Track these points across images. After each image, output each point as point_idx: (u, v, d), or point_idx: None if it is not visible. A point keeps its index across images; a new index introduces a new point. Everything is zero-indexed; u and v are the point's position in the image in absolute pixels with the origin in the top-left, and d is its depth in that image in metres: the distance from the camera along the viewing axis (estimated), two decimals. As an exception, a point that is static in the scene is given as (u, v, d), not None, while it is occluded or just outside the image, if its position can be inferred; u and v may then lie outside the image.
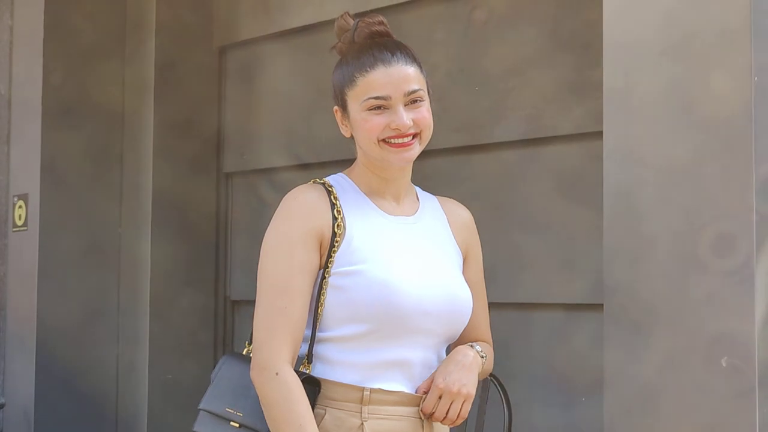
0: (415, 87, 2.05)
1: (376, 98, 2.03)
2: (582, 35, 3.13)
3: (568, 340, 3.25)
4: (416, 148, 2.07)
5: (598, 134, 2.56)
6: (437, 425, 2.11)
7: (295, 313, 1.99)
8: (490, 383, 3.07)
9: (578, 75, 3.17)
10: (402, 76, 2.04)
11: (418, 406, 2.06)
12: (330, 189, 2.09)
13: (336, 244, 2.03)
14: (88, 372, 4.04)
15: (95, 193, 4.11)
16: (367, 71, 2.04)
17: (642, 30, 2.39)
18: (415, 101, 2.05)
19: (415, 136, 2.06)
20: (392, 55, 2.06)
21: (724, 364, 2.17)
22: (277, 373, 1.95)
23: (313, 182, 2.12)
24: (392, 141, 2.03)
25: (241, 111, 4.18)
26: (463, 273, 2.20)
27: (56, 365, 3.99)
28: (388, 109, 2.03)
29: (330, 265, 2.02)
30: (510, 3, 3.42)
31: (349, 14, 2.18)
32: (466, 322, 2.16)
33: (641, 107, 2.39)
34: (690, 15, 2.30)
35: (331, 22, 3.82)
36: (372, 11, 3.67)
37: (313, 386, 2.01)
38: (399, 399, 2.04)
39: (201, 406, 2.11)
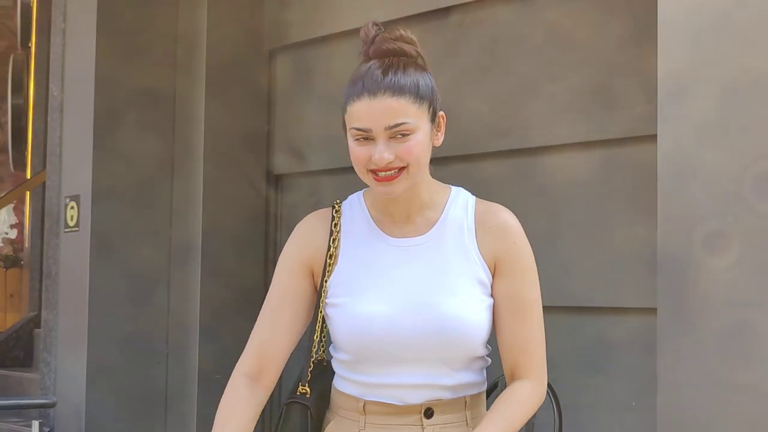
0: (400, 121, 1.98)
1: (358, 129, 2.00)
2: (636, 34, 3.12)
3: (620, 344, 3.24)
4: (402, 182, 2.00)
5: (652, 137, 2.56)
6: (436, 427, 2.08)
7: (267, 332, 2.11)
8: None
9: (631, 76, 3.16)
10: (385, 109, 1.98)
11: (418, 414, 2.05)
12: (335, 216, 2.13)
13: (327, 273, 2.09)
14: (138, 371, 4.07)
15: (146, 194, 4.14)
16: (353, 100, 2.01)
17: (698, 27, 2.38)
18: (403, 134, 1.99)
19: (401, 169, 1.99)
20: (380, 86, 1.99)
21: None
22: (229, 382, 2.11)
23: (332, 205, 2.16)
24: (377, 174, 2.00)
25: (291, 113, 4.20)
26: (495, 283, 2.10)
27: (107, 364, 4.03)
28: (372, 140, 1.99)
29: (324, 294, 2.09)
30: (559, 4, 3.42)
31: (374, 23, 2.12)
32: (472, 343, 2.06)
33: (696, 109, 2.38)
34: (742, 15, 2.29)
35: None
36: (420, 14, 3.72)
37: (304, 408, 2.12)
38: (396, 410, 2.05)
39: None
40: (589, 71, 3.32)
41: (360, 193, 2.19)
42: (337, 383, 2.12)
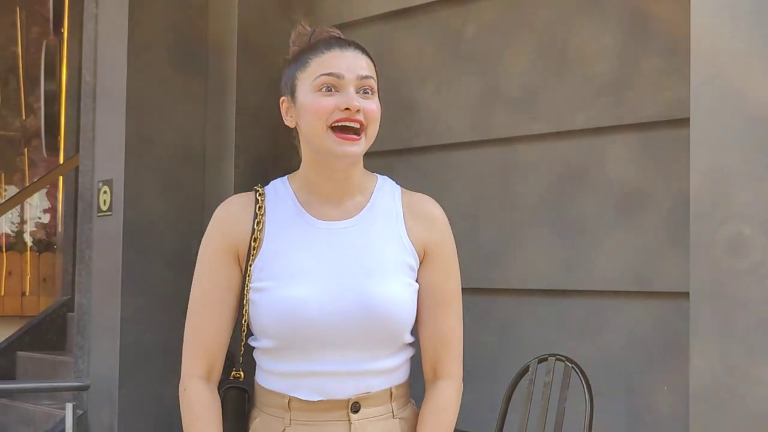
0: (367, 74, 2.01)
1: (329, 74, 1.97)
2: (669, 22, 3.13)
3: (651, 328, 3.25)
4: (362, 145, 2.01)
5: (685, 121, 2.55)
6: (364, 426, 2.05)
7: (210, 329, 2.05)
8: (571, 370, 3.12)
9: (664, 61, 3.17)
10: (356, 61, 2.02)
11: (345, 408, 2.02)
12: (259, 198, 2.08)
13: (251, 257, 2.04)
14: (171, 354, 4.11)
15: (178, 178, 4.17)
16: (322, 52, 2.01)
17: (729, 15, 2.37)
18: (366, 91, 2.01)
19: (361, 131, 2.00)
20: (348, 44, 2.04)
21: None
22: (185, 389, 2.06)
23: (255, 189, 2.11)
24: (341, 132, 1.97)
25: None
26: (421, 270, 2.09)
27: (140, 347, 4.07)
28: (338, 91, 1.98)
29: (248, 279, 2.04)
30: None
31: (305, 22, 2.14)
32: (397, 327, 2.04)
33: (728, 93, 2.37)
34: None
35: (410, 9, 3.89)
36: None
37: (242, 392, 2.09)
38: (320, 406, 2.02)
39: None
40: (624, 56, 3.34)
41: (284, 177, 2.14)
42: (261, 379, 2.07)
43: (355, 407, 2.01)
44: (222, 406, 2.07)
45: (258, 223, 2.05)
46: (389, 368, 2.04)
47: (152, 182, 4.13)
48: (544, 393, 3.17)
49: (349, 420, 2.01)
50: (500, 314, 3.65)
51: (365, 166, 2.14)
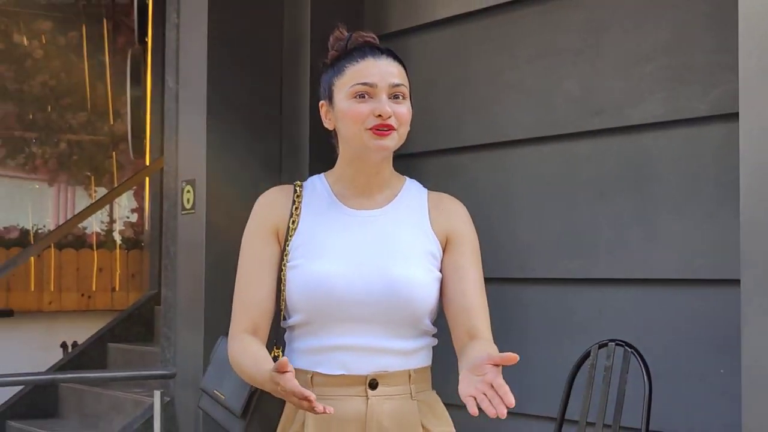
0: (398, 82, 2.10)
1: (363, 84, 2.07)
2: (718, 17, 3.11)
3: (707, 314, 3.25)
4: (393, 140, 2.09)
5: (735, 115, 2.56)
6: (381, 403, 2.09)
7: (254, 294, 2.14)
8: (630, 355, 3.15)
9: (714, 57, 3.16)
10: (388, 69, 2.10)
11: (363, 384, 2.07)
12: (298, 189, 2.20)
13: (289, 237, 2.14)
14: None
15: (255, 178, 4.19)
16: (357, 61, 2.10)
17: None
18: (397, 96, 2.09)
19: (393, 129, 2.08)
20: (381, 53, 2.12)
21: None
22: (234, 341, 2.13)
23: (294, 182, 2.23)
24: (376, 130, 2.06)
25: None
26: (444, 258, 2.16)
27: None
28: (372, 98, 2.07)
29: (285, 258, 2.13)
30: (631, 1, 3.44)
31: (343, 27, 2.21)
32: (418, 309, 2.11)
33: None
34: None
35: (478, 12, 3.93)
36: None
37: None
38: (340, 381, 2.07)
39: (201, 385, 2.34)
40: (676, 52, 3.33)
41: (321, 174, 2.25)
42: (290, 359, 2.09)
43: (373, 384, 2.07)
44: None
45: (296, 208, 2.16)
46: (407, 350, 2.10)
47: (232, 181, 4.19)
48: (605, 377, 3.21)
49: (367, 396, 2.07)
50: (564, 302, 3.66)
51: (416, 171, 2.21)
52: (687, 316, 3.30)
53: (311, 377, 2.08)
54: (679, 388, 3.30)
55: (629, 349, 3.16)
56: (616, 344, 3.21)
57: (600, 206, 3.55)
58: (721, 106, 3.13)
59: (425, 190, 2.24)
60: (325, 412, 1.82)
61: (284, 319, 2.15)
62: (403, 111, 2.10)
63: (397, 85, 2.09)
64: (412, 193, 2.22)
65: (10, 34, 7.58)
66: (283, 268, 2.12)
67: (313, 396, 1.81)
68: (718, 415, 3.18)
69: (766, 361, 2.38)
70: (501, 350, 2.05)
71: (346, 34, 2.17)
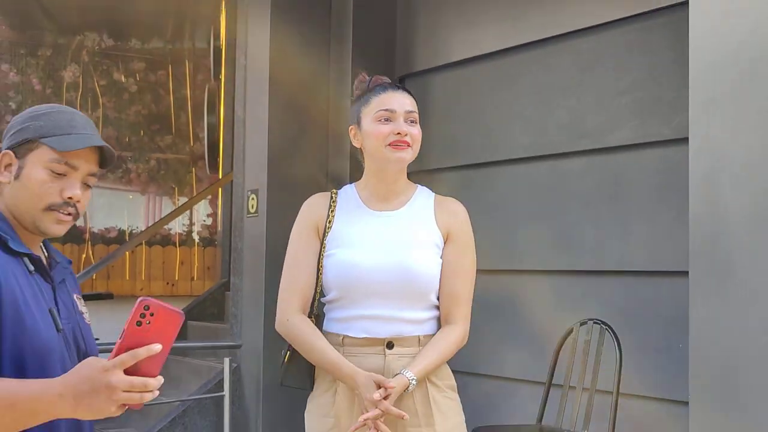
0: (411, 110, 2.18)
1: (385, 110, 2.15)
2: (680, 61, 3.12)
3: (667, 299, 3.25)
4: (408, 153, 2.16)
5: (685, 139, 2.56)
6: (395, 360, 2.13)
7: (300, 281, 2.20)
8: (605, 331, 3.16)
9: (677, 92, 3.17)
10: (404, 100, 2.18)
11: (382, 345, 2.12)
12: (333, 195, 2.26)
13: (326, 232, 2.20)
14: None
15: (306, 188, 4.12)
16: (380, 93, 2.18)
17: (719, 55, 2.37)
18: (411, 121, 2.17)
19: (410, 146, 2.16)
20: (398, 88, 2.21)
21: None
22: (288, 320, 2.19)
23: (330, 191, 2.29)
24: (395, 144, 2.14)
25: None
26: (444, 249, 2.20)
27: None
28: (392, 121, 2.15)
29: (323, 249, 2.20)
30: (610, 47, 3.46)
31: (364, 73, 2.29)
32: (424, 287, 2.15)
33: (721, 115, 2.37)
34: (758, 40, 2.28)
35: (486, 55, 3.96)
36: (553, 38, 3.68)
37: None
38: (364, 342, 2.12)
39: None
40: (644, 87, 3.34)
41: (352, 184, 2.32)
42: (326, 326, 2.20)
43: (390, 345, 2.13)
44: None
45: (332, 210, 2.23)
46: (417, 319, 2.15)
47: (286, 190, 4.20)
48: (584, 349, 3.23)
49: (385, 354, 2.12)
50: (553, 289, 3.67)
51: (435, 182, 2.26)
52: (651, 300, 3.32)
53: (342, 339, 2.14)
54: (645, 358, 3.31)
55: (604, 327, 3.19)
56: (594, 323, 3.23)
57: (583, 212, 3.57)
58: (682, 131, 3.06)
59: (433, 194, 2.28)
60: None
61: (322, 295, 2.22)
62: (415, 132, 2.18)
63: (411, 112, 2.18)
64: (422, 197, 2.26)
65: (111, 73, 7.68)
66: (321, 257, 2.20)
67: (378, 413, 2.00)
68: (676, 381, 3.16)
69: (709, 336, 2.36)
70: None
71: (367, 78, 2.26)
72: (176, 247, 8.07)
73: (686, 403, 2.47)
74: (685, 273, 2.86)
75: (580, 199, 3.59)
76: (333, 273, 2.17)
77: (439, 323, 2.20)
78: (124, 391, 1.28)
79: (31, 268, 1.51)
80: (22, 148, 1.53)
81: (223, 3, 6.44)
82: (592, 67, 3.56)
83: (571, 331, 3.30)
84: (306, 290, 2.19)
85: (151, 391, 1.30)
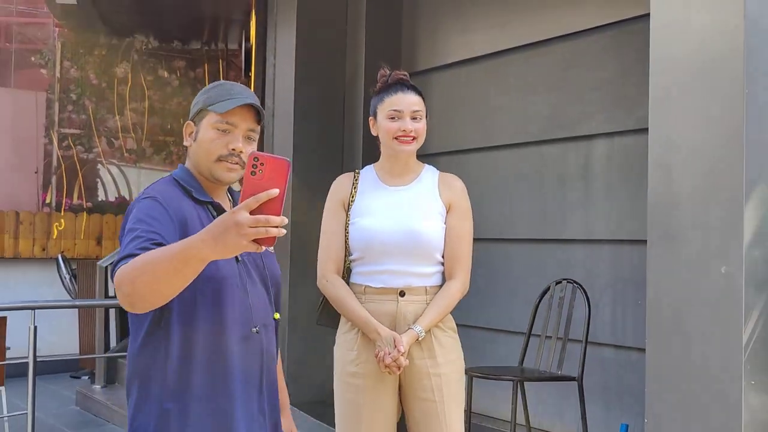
0: (417, 108, 2.22)
1: (394, 110, 2.22)
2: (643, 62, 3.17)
3: (629, 262, 3.30)
4: (413, 146, 2.23)
5: (645, 129, 2.56)
6: (406, 305, 2.20)
7: (332, 247, 2.27)
8: (576, 289, 3.23)
9: (640, 89, 3.20)
10: (410, 100, 2.22)
11: (396, 293, 2.20)
12: (356, 174, 2.33)
13: (350, 205, 2.27)
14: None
15: (324, 170, 4.09)
16: (391, 94, 2.24)
17: (674, 61, 2.39)
18: (416, 117, 2.22)
19: (414, 139, 2.22)
20: (407, 89, 2.25)
21: (723, 271, 2.22)
22: (327, 281, 2.27)
23: (354, 170, 2.35)
24: (401, 139, 2.21)
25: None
26: (446, 218, 2.25)
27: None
28: (400, 119, 2.21)
29: (348, 219, 2.27)
30: (585, 51, 3.50)
31: (386, 67, 2.33)
32: (428, 248, 2.21)
33: (675, 109, 2.39)
34: (706, 49, 2.29)
35: (480, 57, 4.02)
36: (534, 43, 3.73)
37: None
38: (381, 290, 2.21)
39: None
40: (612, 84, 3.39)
41: (371, 165, 2.37)
42: (352, 279, 2.28)
43: (402, 293, 2.21)
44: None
45: (354, 187, 2.30)
46: (424, 273, 2.22)
47: (309, 171, 4.21)
48: (559, 304, 3.29)
49: (397, 301, 2.20)
50: (535, 254, 3.73)
51: (434, 164, 2.32)
52: (616, 263, 3.38)
53: (364, 288, 2.23)
54: (610, 313, 3.39)
55: (576, 285, 3.25)
56: (567, 282, 3.29)
57: (561, 191, 3.62)
58: (643, 122, 3.00)
59: (438, 172, 2.34)
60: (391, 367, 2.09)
61: (350, 255, 2.29)
62: (419, 127, 2.23)
63: (416, 110, 2.23)
64: (429, 174, 2.32)
65: (156, 70, 7.72)
66: (347, 225, 2.29)
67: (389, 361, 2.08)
68: (637, 332, 3.25)
69: (662, 292, 2.38)
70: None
71: (388, 72, 2.32)
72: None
73: (643, 350, 2.50)
74: (643, 241, 2.92)
75: (558, 180, 3.64)
76: (356, 237, 2.25)
77: (444, 277, 2.27)
78: (251, 228, 1.29)
79: (214, 213, 1.62)
80: (196, 117, 1.66)
81: (253, 11, 6.48)
82: (568, 68, 3.60)
83: (547, 289, 3.36)
84: (338, 253, 2.28)
85: (276, 227, 1.30)
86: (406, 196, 2.27)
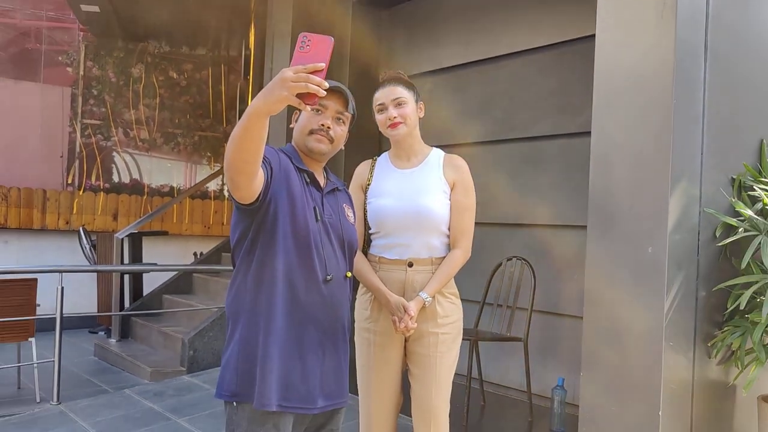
0: (398, 96, 2.09)
1: (379, 104, 2.14)
2: (588, 74, 3.16)
3: (572, 244, 3.30)
4: (402, 129, 2.11)
5: (588, 132, 2.59)
6: (414, 274, 2.12)
7: (360, 223, 2.21)
8: (525, 265, 3.20)
9: (582, 98, 3.20)
10: (392, 91, 2.11)
11: (405, 264, 2.11)
12: (373, 162, 2.26)
13: (367, 188, 2.21)
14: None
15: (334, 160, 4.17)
16: (378, 91, 2.16)
17: (615, 74, 2.38)
18: (400, 104, 2.09)
19: (401, 123, 2.10)
20: (389, 83, 2.13)
21: (649, 251, 2.21)
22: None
23: (372, 158, 2.29)
24: (390, 126, 2.12)
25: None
26: (451, 195, 2.16)
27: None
28: (386, 110, 2.13)
29: (365, 198, 2.21)
30: (535, 65, 3.47)
31: (387, 69, 2.24)
32: (433, 222, 2.12)
33: (614, 115, 2.38)
34: (642, 64, 2.28)
35: (446, 69, 3.98)
36: (493, 57, 3.69)
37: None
38: (392, 261, 2.12)
39: None
40: (560, 93, 3.37)
41: (386, 152, 2.30)
42: (370, 250, 2.22)
43: (410, 264, 2.14)
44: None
45: (371, 172, 2.24)
46: (431, 246, 2.15)
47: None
48: (510, 277, 3.28)
49: (406, 270, 2.14)
50: (493, 236, 3.69)
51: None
52: (559, 244, 3.36)
53: (378, 259, 2.15)
54: (552, 285, 3.38)
55: (524, 262, 3.24)
56: (517, 259, 3.28)
57: (515, 183, 3.60)
58: (584, 126, 3.15)
59: (443, 154, 2.22)
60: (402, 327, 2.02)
61: (369, 229, 2.22)
62: (405, 111, 2.10)
63: (397, 98, 2.11)
64: (435, 156, 2.21)
65: (167, 71, 7.59)
66: (366, 205, 2.20)
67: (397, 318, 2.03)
68: (573, 302, 3.26)
69: (599, 271, 2.38)
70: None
71: (386, 72, 2.24)
72: (212, 200, 7.87)
73: (579, 317, 2.52)
74: (581, 226, 2.96)
75: (510, 173, 3.62)
76: (372, 215, 2.19)
77: (448, 247, 2.20)
78: (293, 82, 1.30)
79: (307, 180, 1.69)
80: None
81: (253, 21, 6.40)
82: (521, 80, 3.58)
83: (500, 264, 3.34)
84: (361, 230, 2.22)
85: (316, 84, 1.30)
86: (413, 177, 2.19)
